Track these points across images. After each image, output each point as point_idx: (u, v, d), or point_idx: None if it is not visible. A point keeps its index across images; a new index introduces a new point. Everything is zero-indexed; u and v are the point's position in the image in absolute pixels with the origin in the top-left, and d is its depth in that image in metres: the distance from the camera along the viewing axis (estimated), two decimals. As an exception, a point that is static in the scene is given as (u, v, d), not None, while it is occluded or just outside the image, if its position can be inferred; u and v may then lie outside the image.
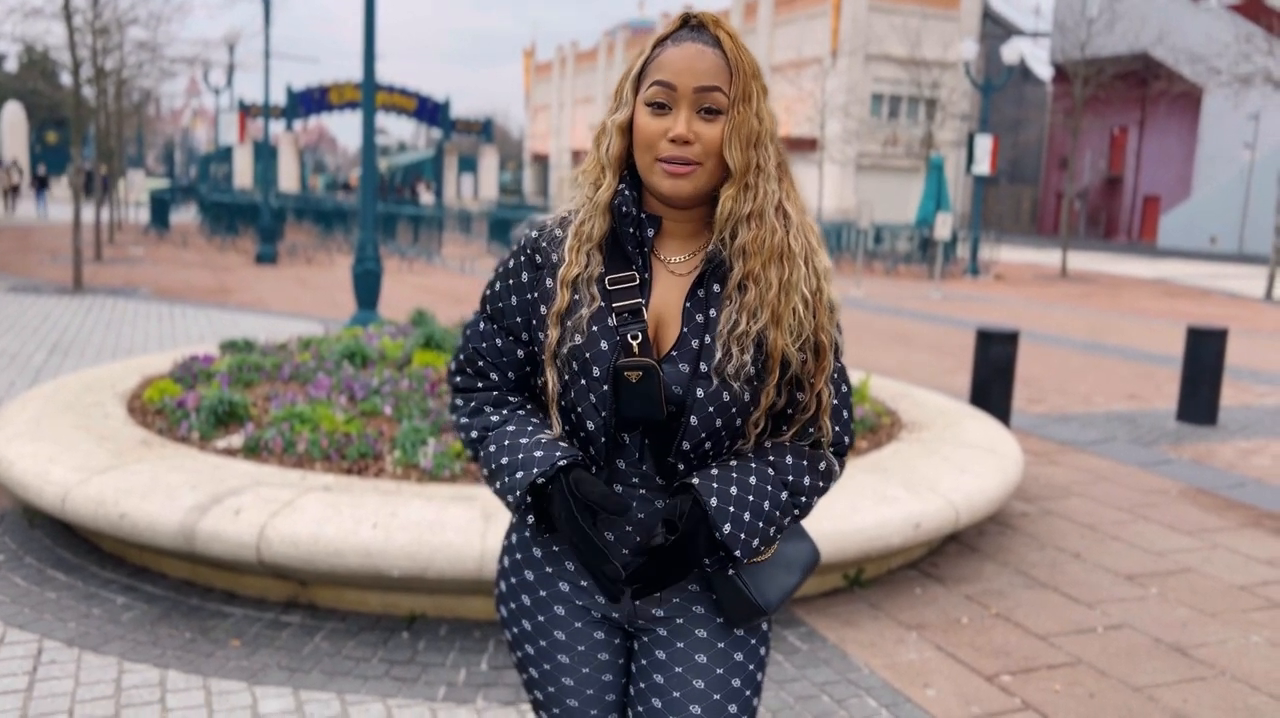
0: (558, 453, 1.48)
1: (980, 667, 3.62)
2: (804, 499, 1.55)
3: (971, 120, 35.81)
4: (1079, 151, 39.14)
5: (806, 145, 41.04)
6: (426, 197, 45.40)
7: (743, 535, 1.46)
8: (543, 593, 1.62)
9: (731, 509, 1.45)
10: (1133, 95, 42.02)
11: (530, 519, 1.50)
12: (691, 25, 1.49)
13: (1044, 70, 51.18)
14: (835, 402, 1.57)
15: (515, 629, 1.65)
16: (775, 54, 47.06)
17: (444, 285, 16.89)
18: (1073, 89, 25.66)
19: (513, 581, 1.65)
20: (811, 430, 1.56)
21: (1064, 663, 3.68)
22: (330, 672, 3.38)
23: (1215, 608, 4.25)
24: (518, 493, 1.48)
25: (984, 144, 21.84)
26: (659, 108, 1.45)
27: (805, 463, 1.55)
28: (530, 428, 1.54)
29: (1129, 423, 7.93)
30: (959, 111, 35.93)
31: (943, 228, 19.07)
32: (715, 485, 1.46)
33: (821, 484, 1.57)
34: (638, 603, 1.58)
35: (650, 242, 1.53)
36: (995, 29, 47.31)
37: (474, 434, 1.59)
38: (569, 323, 1.49)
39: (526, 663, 1.64)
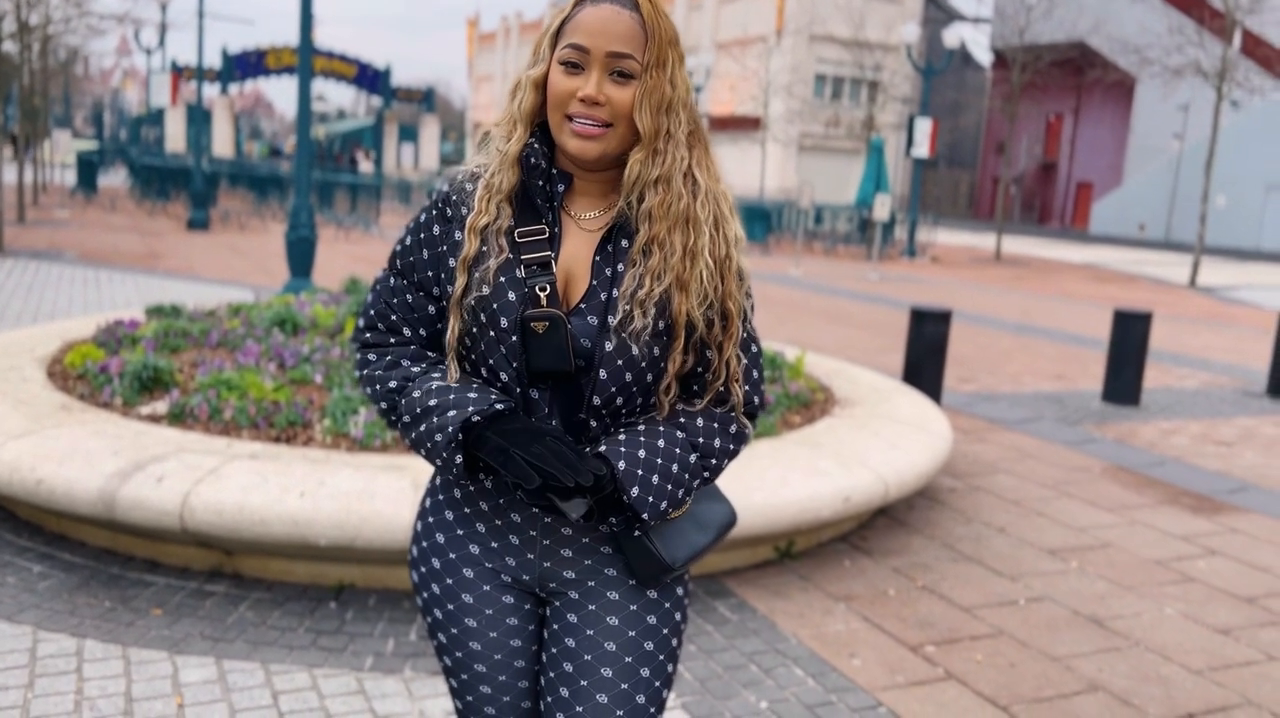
0: (493, 396, 1.47)
1: (905, 638, 3.68)
2: (714, 462, 1.55)
3: (912, 103, 36.14)
4: (1015, 137, 39.78)
5: (750, 124, 41.16)
6: (366, 165, 44.64)
7: (650, 498, 1.46)
8: (452, 555, 1.61)
9: (640, 473, 1.45)
10: (1069, 83, 42.76)
11: (459, 459, 1.44)
12: None
13: (984, 56, 51.87)
14: (745, 363, 1.57)
15: (426, 593, 1.64)
16: (720, 31, 47.00)
17: (380, 255, 16.65)
18: (1011, 75, 26.02)
19: (424, 544, 1.64)
20: (722, 391, 1.56)
21: (986, 634, 3.76)
22: (255, 642, 3.33)
23: (1132, 582, 4.37)
24: (450, 429, 1.43)
25: (924, 127, 22.08)
26: (572, 67, 1.45)
27: (716, 425, 1.55)
28: (457, 379, 1.52)
29: (1056, 403, 8.11)
30: (900, 94, 36.22)
31: (881, 209, 19.27)
32: (624, 449, 1.46)
33: (732, 447, 1.57)
34: (547, 564, 1.58)
35: (560, 197, 1.53)
36: (937, 13, 47.74)
37: (392, 384, 1.54)
38: (476, 272, 1.49)
39: (436, 628, 1.64)
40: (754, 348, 1.59)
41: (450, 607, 1.61)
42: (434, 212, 1.56)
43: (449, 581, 1.61)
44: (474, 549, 1.60)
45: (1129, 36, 31.75)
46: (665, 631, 1.61)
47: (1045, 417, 7.55)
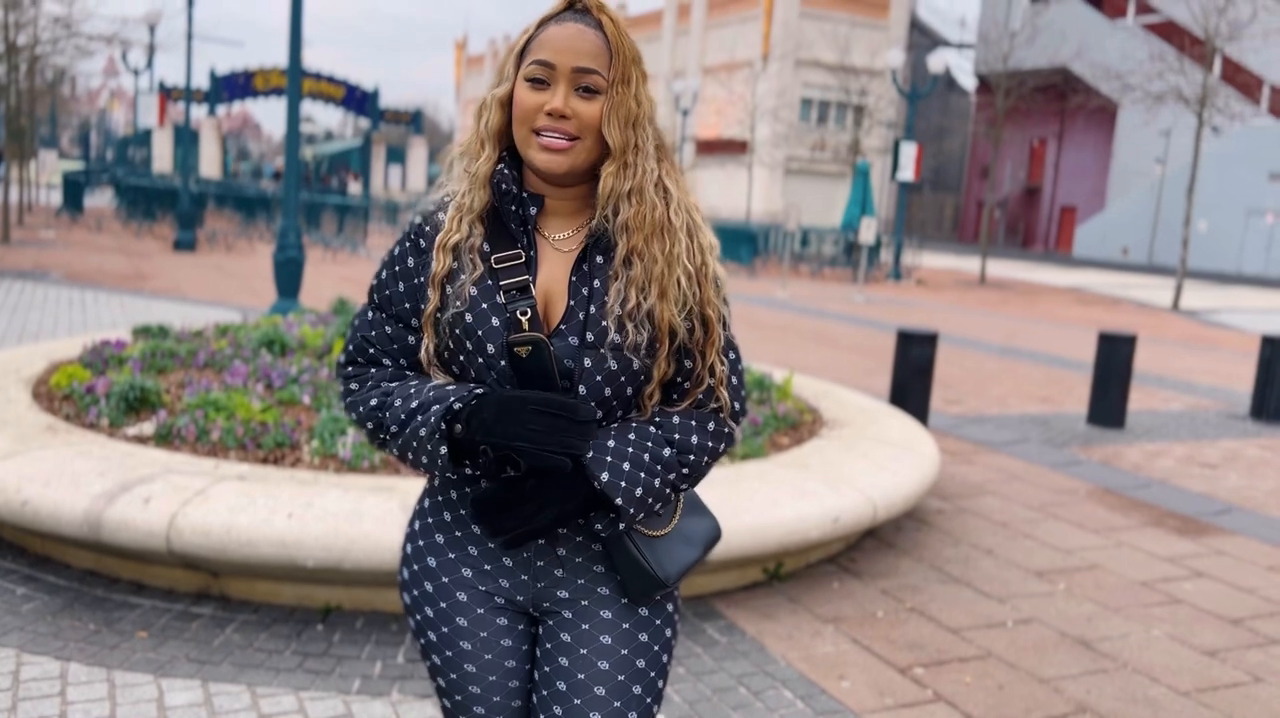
0: (474, 388, 1.49)
1: (894, 659, 3.68)
2: (692, 458, 1.55)
3: (897, 128, 36.43)
4: (1000, 162, 40.11)
5: (737, 148, 41.39)
6: (355, 187, 44.68)
7: (623, 484, 1.47)
8: (445, 579, 1.61)
9: (609, 459, 1.47)
10: (1052, 108, 43.20)
11: (444, 451, 1.47)
12: (576, 8, 1.52)
13: (968, 81, 52.34)
14: (725, 368, 1.59)
15: (418, 616, 1.64)
16: (707, 56, 47.33)
17: (368, 276, 16.60)
18: (995, 100, 26.27)
19: (415, 567, 1.64)
20: (703, 398, 1.58)
21: (975, 656, 3.76)
22: (241, 664, 3.31)
23: (1119, 603, 4.39)
24: (433, 421, 1.47)
25: (909, 151, 22.24)
26: (538, 84, 1.48)
27: (693, 423, 1.56)
28: (436, 382, 1.55)
29: (1041, 425, 8.15)
30: (885, 119, 36.52)
31: (867, 232, 19.38)
32: (609, 458, 1.48)
33: (711, 444, 1.57)
34: (541, 585, 1.59)
35: (534, 220, 1.55)
36: (922, 39, 48.22)
37: (373, 402, 1.56)
38: (450, 289, 1.51)
39: (429, 650, 1.64)
40: (733, 354, 1.62)
41: (445, 630, 1.61)
42: (408, 244, 1.58)
43: (443, 604, 1.61)
44: (467, 573, 1.60)
45: (1111, 63, 32.12)
46: (656, 647, 1.62)
47: (1031, 439, 7.59)
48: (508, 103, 1.51)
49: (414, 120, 49.00)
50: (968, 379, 10.19)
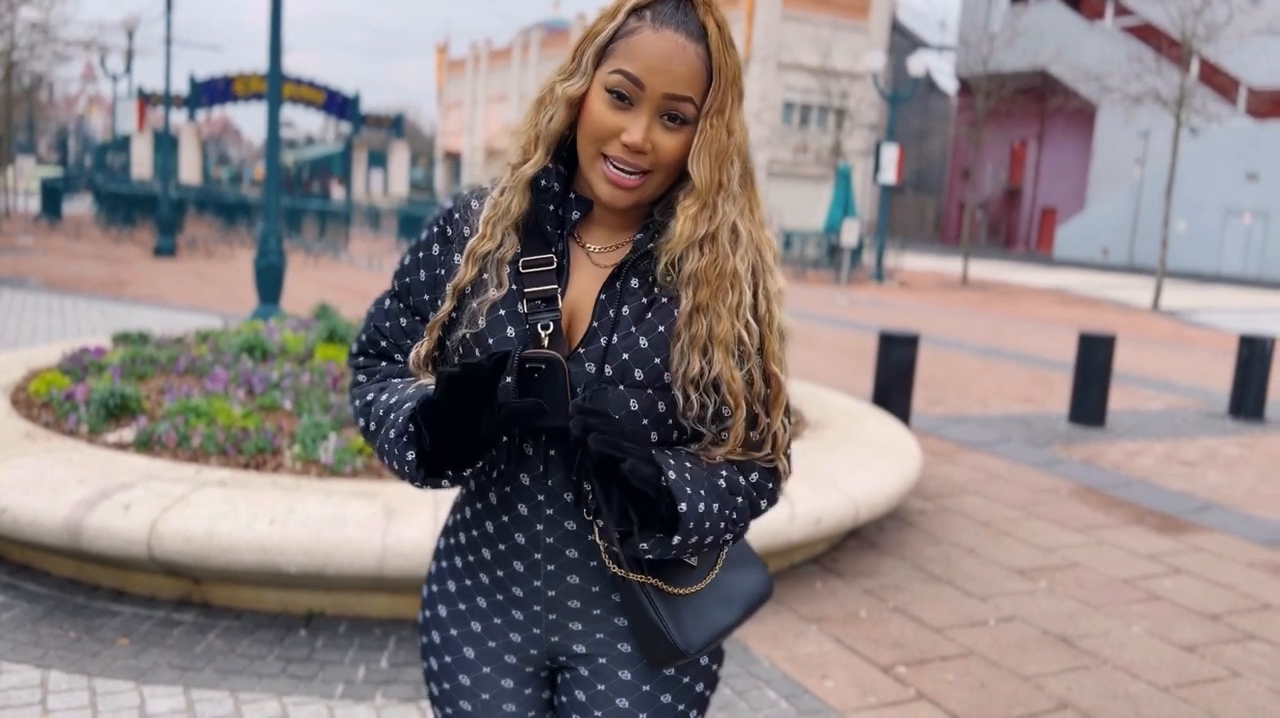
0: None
1: (877, 658, 3.70)
2: (740, 500, 1.34)
3: (879, 130, 36.56)
4: (980, 163, 40.31)
5: (719, 150, 41.39)
6: (339, 192, 44.56)
7: (692, 524, 1.27)
8: (454, 632, 1.49)
9: (688, 490, 1.26)
10: (1032, 110, 43.47)
11: (410, 457, 1.29)
12: None
13: (948, 83, 52.60)
14: (786, 435, 1.39)
15: (426, 665, 1.53)
16: (689, 59, 47.33)
17: (350, 281, 16.60)
18: (975, 102, 26.43)
19: (428, 614, 1.52)
20: (767, 464, 1.38)
21: (957, 654, 3.78)
22: (223, 670, 3.29)
23: (1100, 601, 4.42)
24: (400, 422, 1.30)
25: (890, 154, 22.33)
26: (618, 99, 1.28)
27: (736, 466, 1.36)
28: (424, 381, 1.39)
29: (1023, 424, 8.20)
30: (867, 121, 36.64)
31: (849, 235, 19.45)
32: (672, 461, 1.28)
33: (755, 495, 1.38)
34: (555, 639, 1.44)
35: (573, 224, 1.37)
36: (903, 41, 48.39)
37: (369, 396, 1.41)
38: (472, 304, 1.35)
39: (434, 702, 1.53)
40: (789, 416, 1.41)
41: (446, 686, 1.49)
42: (434, 229, 1.42)
43: (447, 658, 1.49)
44: (476, 627, 1.47)
45: (1089, 65, 32.36)
46: (682, 706, 1.46)
47: (1013, 438, 7.63)
48: (577, 102, 1.31)
49: (395, 125, 48.90)
50: (950, 380, 10.24)
